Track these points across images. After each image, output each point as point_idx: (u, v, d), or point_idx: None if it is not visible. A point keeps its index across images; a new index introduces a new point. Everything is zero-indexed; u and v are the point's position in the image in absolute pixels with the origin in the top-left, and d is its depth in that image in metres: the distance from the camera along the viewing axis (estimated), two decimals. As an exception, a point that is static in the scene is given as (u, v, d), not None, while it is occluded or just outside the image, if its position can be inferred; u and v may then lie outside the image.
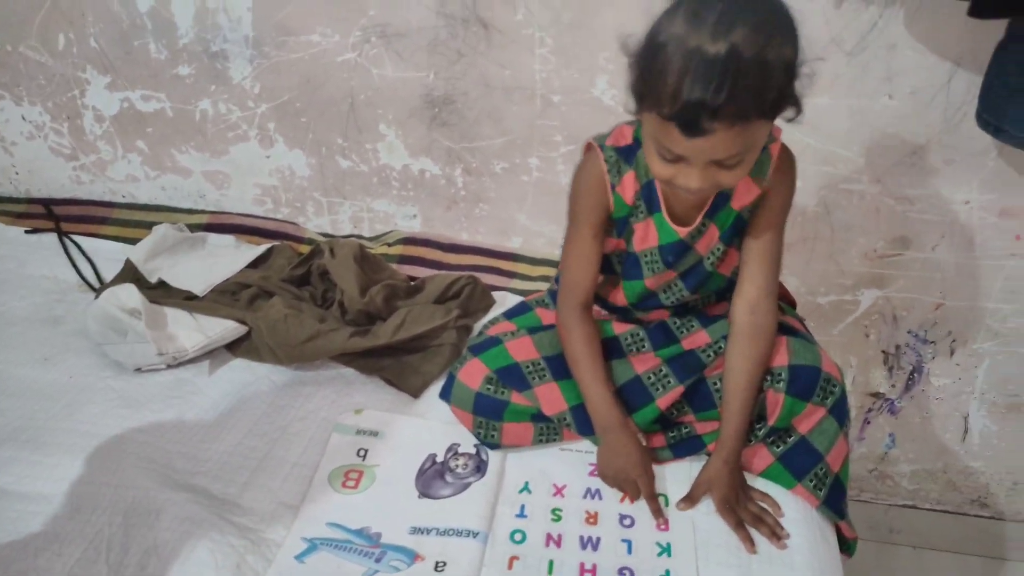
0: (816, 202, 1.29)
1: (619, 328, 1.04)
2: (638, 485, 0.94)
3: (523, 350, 1.01)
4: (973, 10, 0.99)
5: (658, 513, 0.92)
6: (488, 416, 1.00)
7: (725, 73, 0.72)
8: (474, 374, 1.00)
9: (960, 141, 1.20)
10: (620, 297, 1.03)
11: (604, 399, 0.96)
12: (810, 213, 1.30)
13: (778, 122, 0.87)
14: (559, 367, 1.00)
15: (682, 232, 0.94)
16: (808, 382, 0.93)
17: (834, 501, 0.94)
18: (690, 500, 0.94)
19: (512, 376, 0.99)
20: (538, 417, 1.00)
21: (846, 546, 0.98)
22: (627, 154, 0.93)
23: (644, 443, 0.97)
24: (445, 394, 1.04)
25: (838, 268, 1.35)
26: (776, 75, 0.75)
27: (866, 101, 1.20)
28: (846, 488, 0.96)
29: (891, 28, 1.14)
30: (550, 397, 0.99)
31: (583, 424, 0.98)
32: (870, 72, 1.17)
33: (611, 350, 1.02)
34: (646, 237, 0.96)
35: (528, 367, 1.00)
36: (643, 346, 1.03)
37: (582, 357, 0.98)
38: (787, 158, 0.94)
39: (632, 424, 0.97)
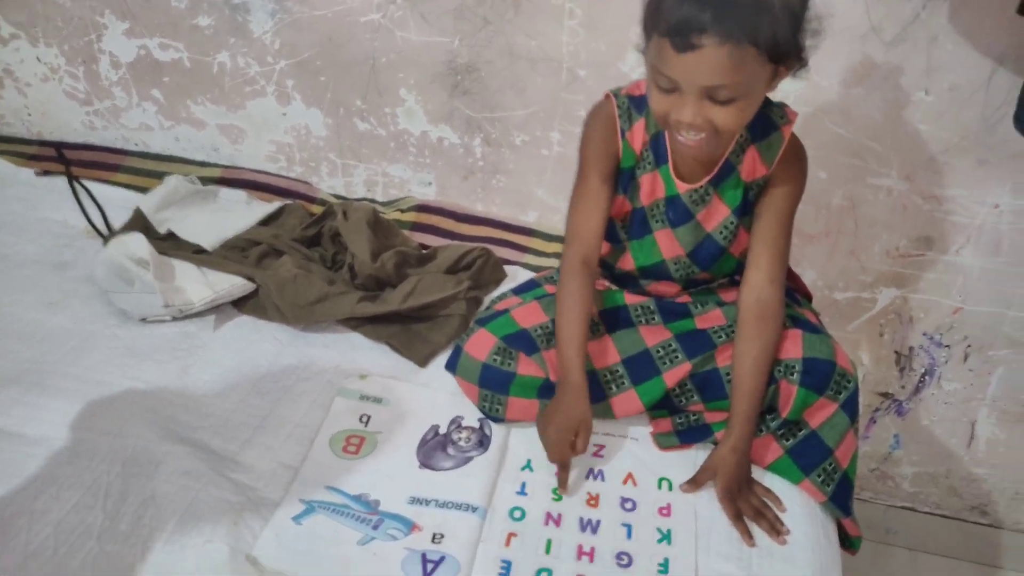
0: (842, 195, 1.26)
1: (631, 299, 1.04)
2: (561, 449, 0.91)
3: (531, 316, 1.00)
4: (1023, 8, 0.96)
5: (564, 484, 0.92)
6: (494, 389, 0.98)
7: None
8: (481, 345, 0.98)
9: (996, 143, 1.16)
10: (628, 261, 1.02)
11: (572, 357, 0.93)
12: (835, 206, 1.28)
13: (786, 94, 0.86)
14: None
15: (683, 188, 0.94)
16: (822, 376, 0.92)
17: (841, 498, 0.93)
18: (694, 484, 0.93)
19: (521, 341, 0.98)
20: (543, 392, 0.98)
21: (850, 542, 0.97)
22: (639, 103, 0.94)
23: (591, 414, 0.92)
24: (451, 366, 1.02)
25: (859, 264, 1.32)
26: (773, 8, 0.77)
27: (902, 94, 1.16)
28: (853, 484, 0.95)
29: (934, 20, 1.10)
30: (555, 362, 0.97)
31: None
32: (909, 64, 1.14)
33: (620, 320, 1.02)
34: (653, 189, 0.97)
35: (537, 331, 0.98)
36: (653, 318, 1.02)
37: (566, 310, 0.95)
38: (797, 147, 0.95)
39: (586, 393, 0.92)
